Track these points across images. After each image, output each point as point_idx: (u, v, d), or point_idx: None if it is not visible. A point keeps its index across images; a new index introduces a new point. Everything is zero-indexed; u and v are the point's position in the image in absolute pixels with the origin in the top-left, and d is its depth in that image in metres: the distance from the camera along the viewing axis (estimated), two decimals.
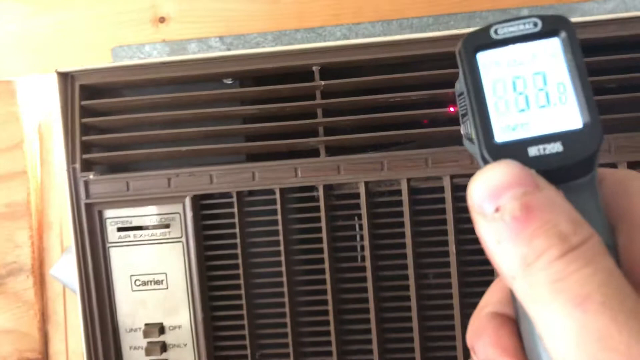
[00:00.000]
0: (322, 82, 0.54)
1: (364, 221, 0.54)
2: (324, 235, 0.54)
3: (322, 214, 0.54)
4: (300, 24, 0.70)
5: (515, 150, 0.21)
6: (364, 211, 0.54)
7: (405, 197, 0.53)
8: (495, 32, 0.22)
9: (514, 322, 0.23)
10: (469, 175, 0.53)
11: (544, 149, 0.20)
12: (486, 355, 0.23)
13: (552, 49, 0.22)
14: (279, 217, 0.55)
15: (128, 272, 0.58)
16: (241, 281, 0.56)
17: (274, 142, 0.54)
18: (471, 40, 0.22)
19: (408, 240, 0.53)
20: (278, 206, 0.55)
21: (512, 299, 0.22)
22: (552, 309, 0.18)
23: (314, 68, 0.54)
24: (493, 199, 0.19)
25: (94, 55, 0.76)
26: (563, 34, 0.22)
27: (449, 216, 0.53)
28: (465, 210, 0.53)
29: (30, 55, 0.76)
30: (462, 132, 0.25)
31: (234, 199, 0.55)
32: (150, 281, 0.57)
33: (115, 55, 0.74)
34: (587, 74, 0.21)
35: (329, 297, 0.55)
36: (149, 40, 0.75)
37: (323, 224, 0.54)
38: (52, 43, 0.76)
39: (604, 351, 0.17)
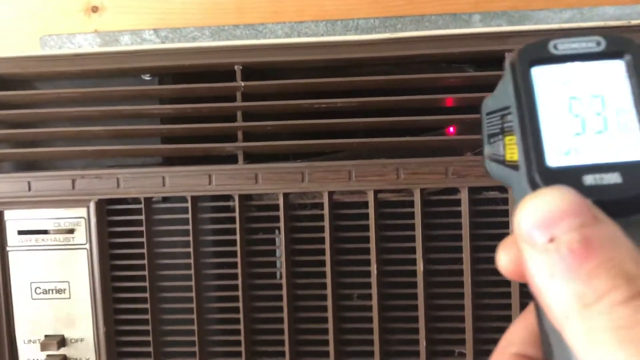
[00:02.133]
0: (243, 83, 0.50)
1: (282, 235, 0.50)
2: (238, 248, 0.50)
3: (238, 225, 0.50)
4: (239, 20, 0.66)
5: (569, 177, 0.19)
6: (282, 224, 0.50)
7: (326, 211, 0.49)
8: (555, 47, 0.21)
9: None
10: (395, 191, 0.49)
11: (601, 179, 0.19)
12: None
13: (615, 71, 0.20)
14: (190, 227, 0.50)
15: (28, 278, 0.53)
16: (147, 294, 0.51)
17: (186, 146, 0.50)
18: (527, 53, 0.20)
19: (328, 257, 0.49)
20: (189, 215, 0.50)
21: (543, 340, 0.20)
22: (615, 357, 0.16)
23: (236, 67, 0.50)
24: (546, 228, 0.17)
25: (23, 44, 0.71)
26: (628, 57, 0.20)
27: (372, 233, 0.49)
28: (389, 228, 0.49)
29: None
30: (485, 153, 0.23)
31: (142, 206, 0.51)
32: (52, 289, 0.53)
33: (44, 44, 0.69)
34: None
35: (241, 315, 0.51)
36: (80, 30, 0.70)
37: (238, 236, 0.50)
38: None
39: None
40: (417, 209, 0.48)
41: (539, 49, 0.21)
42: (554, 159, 0.19)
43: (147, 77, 0.54)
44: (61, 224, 0.52)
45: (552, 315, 0.18)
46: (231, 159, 0.50)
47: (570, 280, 0.17)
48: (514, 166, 0.20)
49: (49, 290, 0.53)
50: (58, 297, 0.53)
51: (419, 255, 0.48)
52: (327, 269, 0.49)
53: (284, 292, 0.50)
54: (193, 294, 0.51)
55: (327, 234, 0.49)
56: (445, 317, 0.49)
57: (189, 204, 0.50)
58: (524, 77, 0.20)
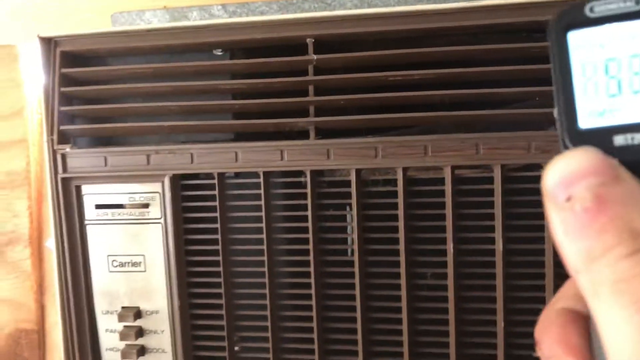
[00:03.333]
0: (315, 57, 0.49)
1: (354, 212, 0.49)
2: (310, 224, 0.50)
3: (309, 201, 0.50)
4: None
5: (599, 138, 0.19)
6: (354, 201, 0.49)
7: (400, 188, 0.48)
8: (591, 9, 0.20)
9: (585, 320, 0.22)
10: (473, 167, 0.47)
11: (632, 139, 0.19)
12: (550, 352, 0.22)
13: None
14: (263, 202, 0.50)
15: (105, 251, 0.55)
16: (220, 268, 0.52)
17: (258, 121, 0.50)
18: (563, 18, 0.21)
19: (402, 235, 0.48)
20: (262, 191, 0.50)
21: None
22: (612, 309, 0.17)
23: (308, 41, 0.49)
24: (566, 187, 0.18)
25: (95, 21, 0.72)
26: None
27: (449, 211, 0.47)
28: (467, 205, 0.47)
29: (31, 21, 0.73)
30: (555, 115, 0.23)
31: (215, 181, 0.51)
32: (128, 262, 0.54)
33: (115, 21, 0.70)
34: None
35: (313, 291, 0.50)
36: (150, 6, 0.70)
37: (310, 212, 0.50)
38: (53, 9, 0.73)
39: None
40: (497, 186, 0.46)
41: (575, 13, 0.20)
42: (586, 120, 0.20)
43: (218, 52, 0.54)
44: (136, 198, 0.53)
45: (569, 269, 0.18)
46: (303, 134, 0.49)
47: (581, 236, 0.18)
48: None
49: (125, 263, 0.54)
50: (134, 270, 0.54)
51: (498, 235, 0.47)
52: (401, 247, 0.48)
53: (356, 269, 0.49)
54: (265, 269, 0.51)
55: (400, 212, 0.48)
56: (525, 297, 0.47)
57: (261, 180, 0.50)
58: (560, 42, 0.20)
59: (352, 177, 0.49)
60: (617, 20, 0.20)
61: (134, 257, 0.54)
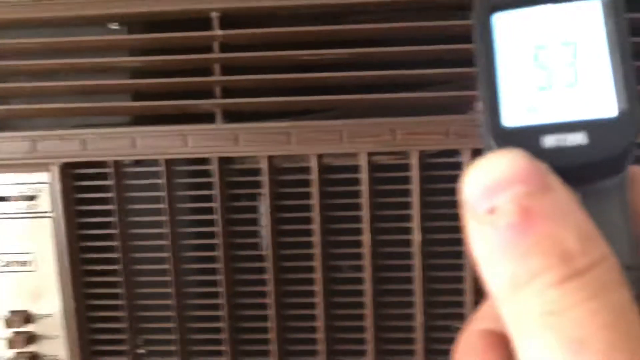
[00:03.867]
0: (221, 32, 0.44)
1: (266, 203, 0.45)
2: (218, 217, 0.46)
3: (217, 191, 0.45)
4: None
5: (527, 138, 0.17)
6: (266, 191, 0.45)
7: (315, 176, 0.45)
8: None
9: (509, 344, 0.18)
10: (391, 154, 0.45)
11: (564, 140, 0.17)
12: None
13: (590, 14, 0.18)
14: (165, 193, 0.46)
15: None
16: (120, 266, 0.47)
17: (158, 103, 0.45)
18: None
19: (316, 226, 0.45)
20: (163, 180, 0.46)
21: None
22: (539, 347, 0.15)
23: (213, 15, 0.45)
24: (488, 197, 0.15)
25: None
26: None
27: (365, 200, 0.44)
28: (384, 194, 0.44)
29: None
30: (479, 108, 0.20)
31: (112, 170, 0.46)
32: (16, 262, 0.48)
33: None
34: (630, 50, 0.17)
35: (223, 288, 0.46)
36: None
37: (218, 203, 0.46)
38: None
39: None
40: (415, 173, 0.44)
41: None
42: (512, 118, 0.17)
43: (114, 26, 0.48)
44: (22, 189, 0.47)
45: (491, 294, 0.16)
46: (208, 117, 0.45)
47: (505, 258, 0.15)
48: None
49: (11, 262, 0.49)
50: (22, 269, 0.48)
51: (416, 224, 0.44)
52: (316, 238, 0.45)
53: (269, 263, 0.46)
54: (170, 266, 0.47)
55: (315, 201, 0.45)
56: (443, 290, 0.45)
57: (162, 168, 0.45)
58: (484, 25, 0.18)
59: (264, 165, 0.45)
60: (549, 1, 0.18)
61: (21, 256, 0.48)
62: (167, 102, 0.45)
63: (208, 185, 0.46)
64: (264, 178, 0.45)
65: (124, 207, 0.47)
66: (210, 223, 0.46)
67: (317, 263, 0.45)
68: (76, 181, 0.47)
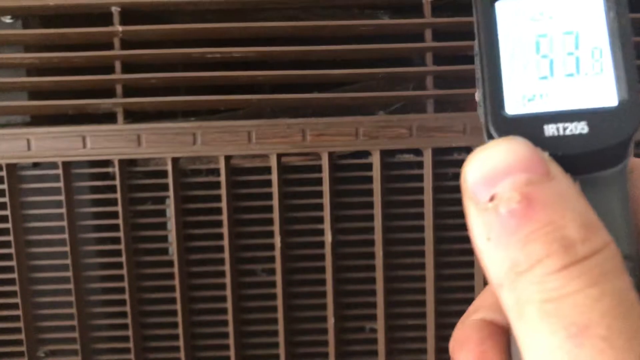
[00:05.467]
0: (121, 28, 0.42)
1: (172, 206, 0.44)
2: (121, 221, 0.44)
3: (119, 195, 0.43)
4: None
5: (528, 127, 0.17)
6: (172, 193, 0.43)
7: (223, 178, 0.43)
8: None
9: (506, 334, 0.19)
10: (300, 155, 0.44)
11: (565, 129, 0.17)
12: None
13: (592, 3, 0.18)
14: (63, 197, 0.43)
15: None
16: (15, 275, 0.44)
17: (55, 102, 0.42)
18: None
19: (225, 230, 0.44)
20: (62, 184, 0.43)
21: None
22: (540, 334, 0.15)
23: (113, 9, 0.42)
24: (490, 184, 0.16)
25: None
26: None
27: (276, 203, 0.44)
28: (295, 195, 0.44)
29: None
30: (476, 99, 0.20)
31: (4, 173, 0.43)
32: None
33: None
34: (631, 39, 0.17)
35: (127, 296, 0.44)
36: None
37: (120, 207, 0.43)
38: None
39: None
40: (325, 175, 0.43)
41: None
42: (513, 106, 0.17)
43: (8, 20, 0.45)
44: None
45: (490, 281, 0.16)
46: (109, 117, 0.43)
47: (506, 245, 0.15)
48: None
49: None
50: None
51: (327, 226, 0.44)
52: (225, 242, 0.44)
53: (176, 269, 0.44)
54: (70, 274, 0.44)
55: (224, 204, 0.43)
56: (355, 291, 0.45)
57: (60, 171, 0.43)
58: (485, 13, 0.18)
59: (169, 167, 0.43)
60: None
61: None
62: (65, 102, 0.42)
63: (110, 189, 0.44)
64: (170, 180, 0.43)
65: (20, 212, 0.44)
66: (114, 228, 0.44)
67: (227, 267, 0.44)
68: None
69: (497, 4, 0.18)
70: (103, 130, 0.42)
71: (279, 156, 0.43)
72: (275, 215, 0.44)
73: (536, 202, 0.15)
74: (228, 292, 0.44)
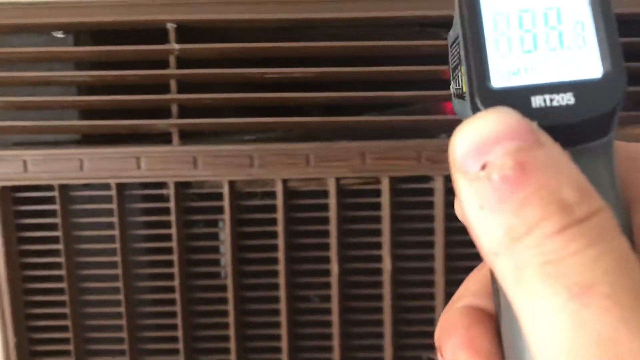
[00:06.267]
0: (177, 46, 0.41)
1: (227, 229, 0.42)
2: (175, 244, 0.42)
3: (173, 217, 0.42)
4: None
5: (515, 99, 0.17)
6: (227, 217, 0.42)
7: (279, 202, 0.42)
8: None
9: (493, 320, 0.19)
10: (360, 179, 0.43)
11: (551, 100, 0.17)
12: (454, 358, 0.19)
13: None
14: (116, 219, 0.42)
15: None
16: (66, 297, 0.43)
17: (110, 122, 0.41)
18: None
19: (281, 254, 0.42)
20: (114, 206, 0.42)
21: (493, 288, 0.19)
22: (542, 298, 0.14)
23: (169, 26, 0.41)
24: (480, 154, 0.15)
25: None
26: None
27: (333, 228, 0.42)
28: (353, 220, 0.42)
29: None
30: (451, 90, 0.20)
31: (56, 194, 0.42)
32: None
33: None
34: (612, 12, 0.18)
35: (180, 320, 0.43)
36: None
37: (174, 230, 0.42)
38: None
39: (605, 358, 0.14)
40: (385, 199, 0.42)
41: None
42: (499, 79, 0.17)
43: (59, 35, 0.44)
44: None
45: (484, 255, 0.16)
46: (164, 138, 0.42)
47: (500, 211, 0.15)
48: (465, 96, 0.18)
49: None
50: None
51: (386, 252, 0.42)
52: (281, 267, 0.42)
53: (230, 294, 0.43)
54: (121, 296, 0.43)
55: (280, 228, 0.42)
56: (414, 320, 0.44)
57: (113, 193, 0.42)
58: None
59: (225, 190, 0.42)
60: None
61: None
62: (120, 122, 0.41)
63: (164, 211, 0.43)
64: (225, 203, 0.42)
65: (71, 233, 0.43)
66: (167, 251, 0.43)
67: (282, 293, 0.43)
68: (17, 205, 0.43)
69: None
70: (158, 152, 0.41)
71: (338, 180, 0.42)
72: (333, 240, 0.42)
73: (529, 167, 0.15)
74: (283, 318, 0.43)
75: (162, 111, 0.42)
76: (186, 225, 0.43)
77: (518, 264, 0.15)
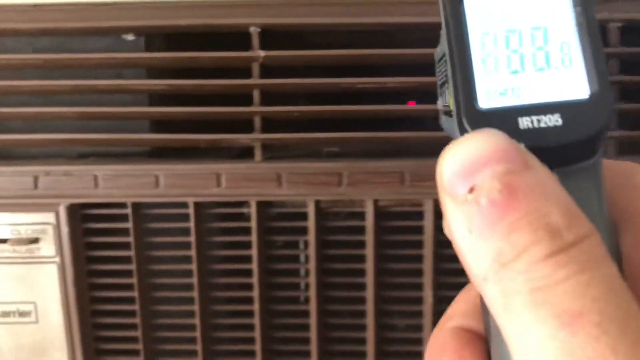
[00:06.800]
0: (262, 53, 0.37)
1: (312, 251, 0.39)
2: (254, 266, 0.39)
3: (254, 238, 0.39)
4: None
5: (502, 120, 0.17)
6: (312, 238, 0.39)
7: (369, 223, 0.38)
8: None
9: (483, 341, 0.19)
10: None
11: (539, 121, 0.17)
12: None
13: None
14: (192, 239, 0.39)
15: None
16: (138, 319, 0.41)
17: (187, 136, 0.38)
18: None
19: (370, 280, 0.39)
20: (191, 224, 0.39)
21: (482, 309, 0.18)
22: (530, 325, 0.14)
23: (252, 30, 0.38)
24: (467, 176, 0.15)
25: None
26: None
27: (428, 252, 0.39)
28: (449, 245, 0.38)
29: None
30: (438, 107, 0.20)
31: (129, 211, 0.39)
32: (13, 312, 0.42)
33: None
34: (599, 33, 0.18)
35: (258, 346, 0.40)
36: None
37: (254, 251, 0.39)
38: None
39: None
40: None
41: None
42: (486, 100, 0.17)
43: (129, 38, 0.41)
44: (22, 231, 0.40)
45: (472, 278, 0.16)
46: (246, 153, 0.38)
47: (488, 235, 0.15)
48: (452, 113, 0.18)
49: (9, 312, 0.42)
50: (21, 321, 0.42)
51: None
52: (368, 294, 0.39)
53: (313, 320, 0.40)
54: (197, 321, 0.40)
55: (369, 252, 0.39)
56: None
57: (190, 211, 0.39)
58: (454, 8, 0.18)
59: (310, 209, 0.39)
60: None
61: (20, 305, 0.42)
62: (198, 136, 0.38)
63: (244, 231, 0.39)
64: (310, 223, 0.39)
65: (144, 253, 0.40)
66: (246, 273, 0.40)
67: (369, 320, 0.40)
68: (87, 223, 0.40)
69: (465, 1, 0.18)
70: (240, 169, 0.38)
71: (435, 201, 0.38)
72: (427, 265, 0.39)
73: (518, 190, 0.15)
74: (369, 348, 0.40)
75: (244, 125, 0.38)
76: (267, 247, 0.40)
77: (507, 291, 0.14)
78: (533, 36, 0.18)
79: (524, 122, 0.17)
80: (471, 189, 0.15)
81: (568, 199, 0.15)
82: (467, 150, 0.15)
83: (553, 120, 0.17)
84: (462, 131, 0.17)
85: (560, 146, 0.17)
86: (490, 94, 0.17)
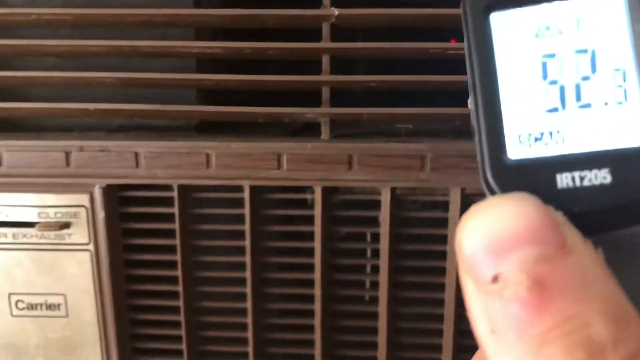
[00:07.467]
0: (336, 11, 0.31)
1: (384, 245, 0.34)
2: (317, 260, 0.34)
3: (317, 228, 0.34)
4: None
5: (536, 176, 0.14)
6: (385, 230, 0.34)
7: (454, 214, 0.33)
8: None
9: None
10: None
11: (582, 179, 0.14)
12: None
13: (611, 10, 0.14)
14: (247, 227, 0.34)
15: (6, 288, 0.37)
16: (181, 317, 0.36)
17: (245, 109, 0.32)
18: None
19: (451, 279, 0.34)
20: (246, 211, 0.34)
21: None
22: None
23: None
24: (492, 258, 0.12)
25: None
26: None
27: None
28: None
29: None
30: (477, 140, 0.15)
31: (175, 194, 0.34)
32: (41, 304, 0.37)
33: None
34: None
35: (317, 350, 0.36)
36: None
37: (317, 243, 0.34)
38: None
39: None
40: None
41: None
42: (517, 148, 0.14)
43: None
44: (50, 214, 0.35)
45: None
46: (311, 130, 0.33)
47: (514, 344, 0.12)
48: None
49: (36, 305, 0.37)
50: (50, 314, 0.37)
51: None
52: (449, 295, 0.34)
53: (382, 323, 0.35)
54: (248, 320, 0.36)
55: (450, 248, 0.34)
56: None
57: (246, 196, 0.34)
58: (479, 29, 0.15)
59: (384, 197, 0.33)
60: None
61: (49, 297, 0.37)
62: (257, 109, 0.32)
63: (306, 220, 0.34)
64: (383, 213, 0.33)
65: (191, 242, 0.35)
66: (307, 268, 0.35)
67: (446, 325, 0.35)
68: (125, 206, 0.35)
69: (492, 17, 0.15)
70: (304, 149, 0.32)
71: None
72: None
73: (551, 287, 0.12)
74: (447, 358, 0.35)
75: (310, 96, 0.33)
76: (332, 239, 0.35)
77: None
78: (577, 62, 0.15)
79: (564, 180, 0.14)
80: (495, 278, 0.13)
81: (616, 294, 0.12)
82: (493, 222, 0.13)
83: (600, 176, 0.14)
84: (488, 189, 0.14)
85: (609, 209, 0.14)
86: (522, 139, 0.15)
